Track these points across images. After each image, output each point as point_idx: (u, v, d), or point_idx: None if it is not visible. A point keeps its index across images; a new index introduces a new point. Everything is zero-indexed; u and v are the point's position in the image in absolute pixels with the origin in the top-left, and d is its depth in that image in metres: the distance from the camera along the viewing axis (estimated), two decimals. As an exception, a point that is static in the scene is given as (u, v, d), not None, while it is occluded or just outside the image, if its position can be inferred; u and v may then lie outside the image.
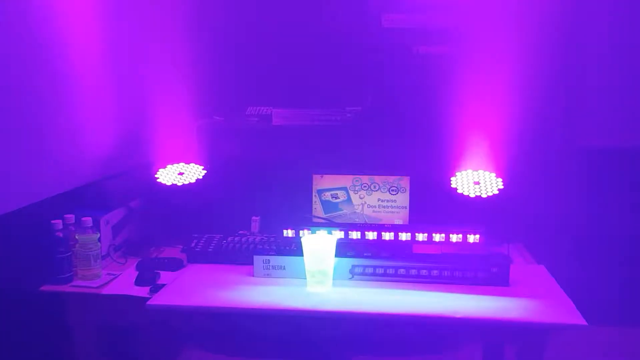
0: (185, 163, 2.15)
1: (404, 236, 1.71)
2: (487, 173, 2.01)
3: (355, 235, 1.73)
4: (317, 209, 2.16)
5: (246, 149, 2.24)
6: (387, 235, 1.71)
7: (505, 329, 1.51)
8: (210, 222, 2.08)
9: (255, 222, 2.14)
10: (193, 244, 1.90)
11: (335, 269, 1.66)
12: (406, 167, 2.12)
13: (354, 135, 2.21)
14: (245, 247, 1.87)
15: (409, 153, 2.15)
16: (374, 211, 2.14)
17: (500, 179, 1.98)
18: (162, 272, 1.78)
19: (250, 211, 2.17)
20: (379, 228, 1.74)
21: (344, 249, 1.72)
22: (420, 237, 1.70)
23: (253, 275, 1.74)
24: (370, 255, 1.71)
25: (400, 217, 2.13)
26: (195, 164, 2.16)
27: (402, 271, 1.68)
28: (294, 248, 1.73)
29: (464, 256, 1.70)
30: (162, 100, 2.15)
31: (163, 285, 1.69)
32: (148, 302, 1.55)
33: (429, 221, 2.10)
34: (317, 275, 1.61)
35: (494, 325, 1.48)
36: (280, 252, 1.73)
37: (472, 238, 1.67)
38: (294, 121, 2.30)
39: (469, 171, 2.02)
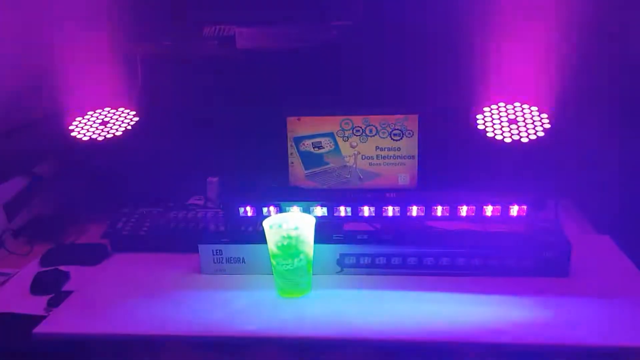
0: (113, 108, 1.58)
1: (415, 210, 1.16)
2: (527, 107, 1.44)
3: (343, 210, 1.17)
4: (295, 164, 1.60)
5: (198, 85, 1.64)
6: (390, 210, 1.16)
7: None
8: (149, 189, 1.53)
9: (213, 185, 1.58)
10: (120, 225, 1.35)
11: (316, 260, 1.13)
12: (413, 102, 1.55)
13: (341, 60, 1.61)
14: (193, 227, 1.32)
15: (417, 82, 1.56)
16: (370, 164, 1.58)
17: (545, 115, 1.41)
18: (74, 269, 1.25)
19: (205, 170, 1.61)
20: (377, 199, 1.18)
21: (328, 230, 1.18)
22: (439, 210, 1.14)
23: (200, 272, 1.20)
24: (366, 238, 1.17)
25: (406, 171, 1.57)
26: (126, 109, 1.58)
27: (412, 260, 1.15)
28: (257, 232, 1.18)
29: (501, 235, 1.16)
30: (78, 20, 1.54)
31: (70, 292, 1.16)
32: (35, 330, 1.03)
33: (446, 178, 1.56)
34: (289, 276, 1.08)
35: (556, 352, 0.95)
36: (236, 239, 1.19)
37: (514, 210, 1.12)
38: (264, 43, 1.69)
39: (502, 105, 1.45)
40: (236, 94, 1.63)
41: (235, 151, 1.62)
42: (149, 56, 1.62)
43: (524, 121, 1.41)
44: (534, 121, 1.41)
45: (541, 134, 1.37)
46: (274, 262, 1.09)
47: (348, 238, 1.18)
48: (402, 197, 1.18)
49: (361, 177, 1.58)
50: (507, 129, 1.39)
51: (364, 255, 1.17)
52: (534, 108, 1.43)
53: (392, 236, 1.18)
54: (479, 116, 1.44)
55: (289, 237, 1.06)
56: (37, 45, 1.51)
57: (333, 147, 1.57)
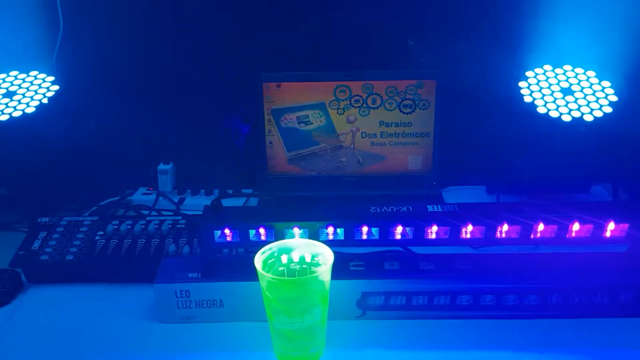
0: (22, 73, 1.14)
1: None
2: (582, 73, 1.10)
3: (364, 231, 0.81)
4: (275, 145, 1.22)
5: (142, 38, 1.20)
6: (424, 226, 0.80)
7: None
8: (76, 187, 1.12)
9: (165, 174, 1.18)
10: (37, 244, 0.94)
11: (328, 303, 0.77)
12: (430, 63, 1.18)
13: (336, 4, 1.21)
14: (144, 247, 0.93)
15: (435, 36, 1.19)
16: (372, 143, 1.22)
17: (608, 84, 1.07)
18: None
19: (155, 155, 1.21)
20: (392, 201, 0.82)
21: (340, 260, 0.82)
22: (502, 230, 0.80)
23: (158, 321, 0.82)
24: (397, 268, 0.82)
25: (418, 152, 1.22)
26: (41, 74, 1.14)
27: (465, 300, 0.81)
28: (240, 261, 0.80)
29: (591, 259, 0.83)
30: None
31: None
32: None
33: (472, 165, 1.22)
34: (295, 339, 0.72)
35: None
36: (211, 273, 0.81)
37: (610, 228, 0.79)
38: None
39: (550, 69, 1.10)
40: (196, 51, 1.21)
41: (195, 129, 1.21)
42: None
43: (581, 92, 1.07)
44: (594, 92, 1.07)
45: (608, 109, 1.03)
46: (272, 319, 0.73)
47: (372, 267, 0.83)
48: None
49: (360, 160, 1.22)
50: (562, 103, 1.05)
51: (395, 293, 0.82)
52: (591, 73, 1.09)
53: (434, 264, 0.83)
54: (522, 84, 1.08)
55: (300, 285, 0.70)
56: None
57: (324, 121, 1.20)
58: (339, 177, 1.25)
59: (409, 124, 1.21)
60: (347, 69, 1.18)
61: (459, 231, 0.80)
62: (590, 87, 1.08)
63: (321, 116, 1.21)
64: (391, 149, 1.23)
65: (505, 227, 0.79)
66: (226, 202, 1.00)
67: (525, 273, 0.82)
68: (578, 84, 1.08)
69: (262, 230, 0.80)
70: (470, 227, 0.80)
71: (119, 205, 1.16)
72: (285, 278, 0.71)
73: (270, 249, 0.75)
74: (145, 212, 1.11)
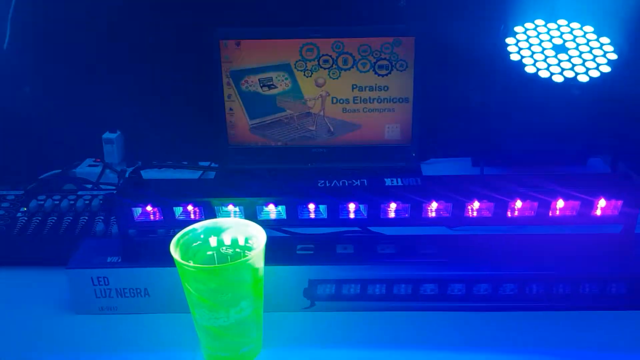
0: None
1: (430, 208, 0.68)
2: (579, 28, 0.96)
3: (311, 207, 0.68)
4: (235, 111, 1.09)
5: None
6: (391, 206, 0.68)
7: None
8: (17, 153, 1.01)
9: (112, 145, 1.06)
10: (-48, 222, 0.83)
11: (269, 291, 0.66)
12: (408, 17, 1.05)
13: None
14: (69, 227, 0.82)
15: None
16: (345, 110, 1.09)
17: (607, 40, 0.94)
18: None
19: (100, 123, 1.09)
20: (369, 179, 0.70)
21: (285, 243, 0.70)
22: (469, 207, 0.67)
23: (75, 312, 0.71)
24: (352, 252, 0.70)
25: (395, 119, 1.09)
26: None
27: (430, 289, 0.69)
28: (167, 244, 0.68)
29: (572, 245, 0.71)
30: None
31: None
32: None
33: (455, 133, 1.10)
34: (222, 337, 0.60)
35: None
36: (133, 257, 0.70)
37: (602, 203, 0.66)
38: None
39: (542, 24, 0.97)
40: (142, 5, 1.08)
41: (145, 94, 1.09)
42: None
43: (577, 49, 0.93)
44: (591, 49, 0.93)
45: (606, 69, 0.90)
46: (195, 313, 0.61)
47: (322, 252, 0.71)
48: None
49: (331, 129, 1.10)
50: (554, 61, 0.91)
51: (348, 282, 0.70)
52: (589, 29, 0.95)
53: (395, 247, 0.71)
54: (510, 40, 0.95)
55: (220, 274, 0.58)
56: None
57: (290, 85, 1.07)
58: (307, 148, 1.12)
59: (385, 88, 1.08)
60: (314, 25, 1.05)
61: (422, 209, 0.67)
62: (587, 44, 0.94)
63: (286, 79, 1.08)
64: (366, 116, 1.10)
65: (476, 204, 0.67)
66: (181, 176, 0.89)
67: (500, 258, 0.70)
68: (573, 40, 0.95)
69: (190, 208, 0.68)
70: (434, 205, 0.67)
71: (61, 179, 1.04)
72: (200, 266, 0.59)
73: (194, 229, 0.63)
74: (89, 187, 1.00)
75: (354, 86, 1.08)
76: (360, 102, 1.09)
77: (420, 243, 0.72)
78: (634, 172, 1.05)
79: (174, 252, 0.58)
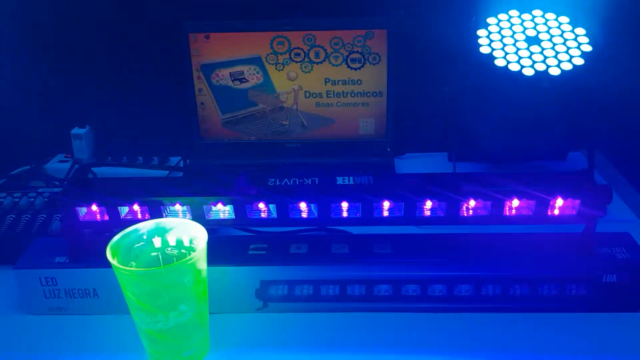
0: None
1: (385, 207, 0.66)
2: (554, 19, 0.93)
3: (261, 208, 0.67)
4: (207, 105, 1.08)
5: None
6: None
7: None
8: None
9: (80, 140, 1.05)
10: None
11: (218, 292, 0.65)
12: (381, 9, 1.03)
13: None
14: (27, 223, 0.81)
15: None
16: (318, 104, 1.07)
17: (583, 31, 0.91)
18: None
19: (68, 117, 1.08)
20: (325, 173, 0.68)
21: (238, 243, 0.69)
22: (428, 204, 0.65)
23: (26, 313, 0.70)
24: (305, 252, 0.69)
25: (370, 114, 1.08)
26: None
27: (384, 291, 0.68)
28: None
29: (530, 245, 0.69)
30: None
31: None
32: None
33: (429, 127, 1.09)
34: (162, 341, 0.59)
35: None
36: (81, 258, 0.68)
37: (559, 202, 0.64)
38: None
39: (515, 15, 0.94)
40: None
41: (115, 88, 1.07)
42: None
43: (550, 40, 0.90)
44: (565, 41, 0.90)
45: (579, 61, 0.87)
46: (134, 317, 0.60)
47: (275, 252, 0.69)
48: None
49: (305, 124, 1.08)
50: (525, 54, 0.89)
51: (301, 282, 0.68)
52: (564, 19, 0.92)
53: (348, 247, 0.70)
54: (481, 32, 0.92)
55: (154, 277, 0.56)
56: None
57: (261, 79, 1.05)
58: (281, 143, 1.11)
59: (359, 82, 1.06)
60: (285, 17, 1.03)
61: (372, 208, 0.65)
62: (561, 35, 0.91)
63: (258, 72, 1.06)
64: (339, 110, 1.08)
65: (429, 204, 0.65)
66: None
67: (456, 259, 0.67)
68: (547, 31, 0.92)
69: (136, 208, 0.66)
70: (386, 204, 0.65)
71: (30, 175, 1.03)
72: (132, 269, 0.58)
73: (136, 230, 0.62)
74: (57, 183, 0.99)
75: (327, 80, 1.06)
76: (334, 96, 1.07)
77: (376, 243, 0.70)
78: (613, 166, 1.03)
79: (109, 253, 0.57)
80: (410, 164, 1.10)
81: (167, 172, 1.00)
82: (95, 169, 0.99)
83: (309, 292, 0.69)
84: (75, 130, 1.05)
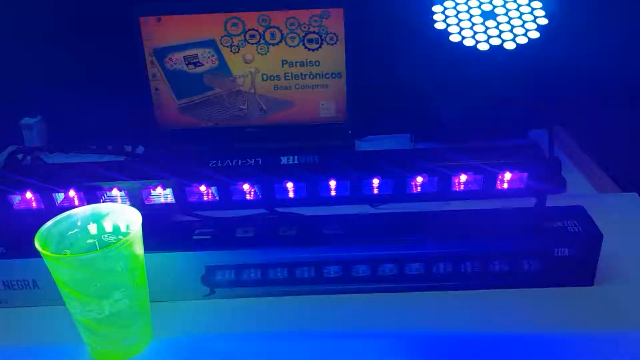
0: None
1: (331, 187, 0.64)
2: (511, -8, 0.92)
3: (203, 191, 0.64)
4: (162, 91, 1.05)
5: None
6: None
7: None
8: None
9: (31, 131, 1.02)
10: None
11: (162, 278, 0.63)
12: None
13: None
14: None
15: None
16: (276, 87, 1.05)
17: (539, 4, 0.89)
18: None
19: (18, 107, 1.04)
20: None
21: (182, 227, 0.67)
22: (375, 181, 0.63)
23: (-36, 306, 0.68)
24: (252, 236, 0.66)
25: (329, 96, 1.05)
26: None
27: (334, 271, 0.66)
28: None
29: (481, 221, 0.67)
30: None
31: None
32: None
33: (389, 108, 1.07)
34: (100, 330, 0.56)
35: None
36: (15, 246, 0.66)
37: (507, 176, 0.62)
38: None
39: (473, -10, 0.92)
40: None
41: (65, 76, 1.04)
42: None
43: (506, 14, 0.89)
44: (521, 14, 0.89)
45: (534, 34, 0.85)
46: (68, 306, 0.57)
47: (221, 235, 0.67)
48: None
49: (264, 107, 1.05)
50: (481, 29, 0.87)
51: (249, 266, 0.66)
52: (521, -8, 0.91)
53: (296, 229, 0.68)
54: (436, 8, 0.90)
55: (84, 263, 0.54)
56: None
57: (217, 62, 1.03)
58: (240, 128, 1.08)
59: (317, 63, 1.03)
60: (238, -2, 1.00)
61: (318, 187, 0.63)
62: (517, 9, 0.89)
63: (212, 55, 1.03)
64: (298, 93, 1.05)
65: (376, 181, 0.63)
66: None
67: (405, 237, 0.66)
68: (503, 5, 0.90)
69: (72, 194, 0.63)
70: (333, 183, 0.63)
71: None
72: (57, 255, 0.55)
73: (69, 216, 0.59)
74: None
75: (284, 62, 1.04)
76: (292, 79, 1.05)
77: (324, 223, 0.68)
78: (573, 140, 1.02)
79: (37, 241, 0.54)
80: (372, 147, 1.08)
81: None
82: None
83: (257, 276, 0.67)
84: (26, 120, 1.01)
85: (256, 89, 1.06)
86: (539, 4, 0.89)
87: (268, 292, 0.68)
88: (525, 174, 0.61)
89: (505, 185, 0.62)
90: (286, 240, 0.67)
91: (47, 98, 1.04)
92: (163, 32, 1.01)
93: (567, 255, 0.65)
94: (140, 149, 1.05)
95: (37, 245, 0.54)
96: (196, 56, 1.03)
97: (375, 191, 0.64)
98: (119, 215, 0.60)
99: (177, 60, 1.03)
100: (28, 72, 1.01)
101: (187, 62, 1.04)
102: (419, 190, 0.63)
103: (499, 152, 0.63)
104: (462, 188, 0.63)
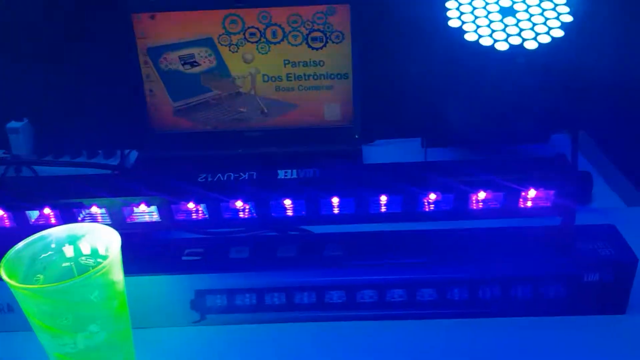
0: None
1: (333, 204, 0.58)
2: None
3: (191, 208, 0.58)
4: (157, 92, 0.99)
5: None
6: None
7: None
8: None
9: (17, 135, 0.96)
10: None
11: (147, 304, 0.56)
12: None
13: None
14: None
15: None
16: (278, 88, 0.98)
17: (562, 1, 0.82)
18: None
19: (4, 110, 0.99)
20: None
21: (170, 247, 0.60)
22: (384, 198, 0.57)
23: None
24: (246, 257, 0.60)
25: (335, 98, 0.99)
26: None
27: (337, 298, 0.59)
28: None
29: (501, 242, 0.60)
30: None
31: None
32: None
33: (399, 111, 1.00)
34: (73, 364, 0.50)
35: None
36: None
37: (531, 193, 0.55)
38: None
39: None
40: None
41: (54, 78, 0.98)
42: None
43: (527, 11, 0.81)
44: (543, 11, 0.81)
45: (558, 33, 0.78)
46: (40, 338, 0.51)
47: (212, 257, 0.61)
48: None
49: (265, 110, 0.99)
50: (499, 27, 0.80)
51: (244, 291, 0.60)
52: (542, -13, 0.84)
53: (295, 249, 0.61)
54: (450, 4, 0.83)
55: (52, 294, 0.48)
56: None
57: (214, 62, 0.96)
58: (240, 131, 1.02)
59: (321, 63, 0.97)
60: (237, -6, 0.94)
61: (319, 205, 0.57)
62: (538, 4, 0.82)
63: (210, 55, 0.97)
64: (302, 95, 0.99)
65: (384, 198, 0.56)
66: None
67: (417, 259, 0.59)
68: (523, 1, 0.83)
69: (47, 211, 0.57)
70: (335, 200, 0.57)
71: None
72: (20, 285, 0.49)
73: (41, 237, 0.53)
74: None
75: (286, 62, 0.97)
76: (295, 80, 0.98)
77: (327, 243, 0.61)
78: (599, 149, 0.95)
79: (1, 266, 0.48)
80: (380, 152, 1.01)
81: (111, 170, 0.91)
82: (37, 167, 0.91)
83: (251, 301, 0.61)
84: (12, 124, 0.95)
85: (256, 90, 0.99)
86: (563, 0, 0.82)
87: (264, 318, 0.61)
88: (552, 192, 0.54)
89: (529, 204, 0.56)
90: (284, 262, 0.60)
91: (34, 100, 0.98)
92: (157, 30, 0.95)
93: (597, 281, 0.58)
94: (133, 155, 0.99)
95: (1, 272, 0.48)
96: (192, 55, 0.97)
97: (383, 209, 0.57)
98: (97, 236, 0.54)
99: (172, 60, 0.97)
100: (14, 72, 0.95)
101: (183, 62, 0.98)
102: (432, 208, 0.56)
103: (521, 166, 0.56)
104: (480, 206, 0.56)
